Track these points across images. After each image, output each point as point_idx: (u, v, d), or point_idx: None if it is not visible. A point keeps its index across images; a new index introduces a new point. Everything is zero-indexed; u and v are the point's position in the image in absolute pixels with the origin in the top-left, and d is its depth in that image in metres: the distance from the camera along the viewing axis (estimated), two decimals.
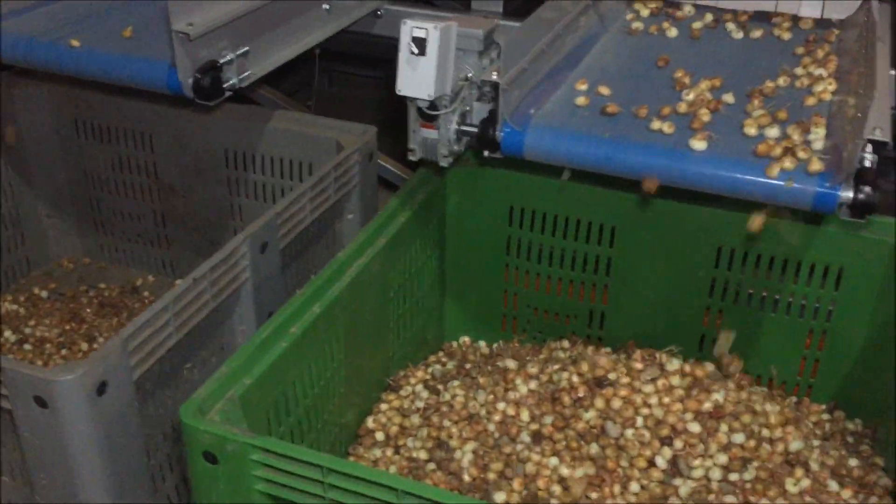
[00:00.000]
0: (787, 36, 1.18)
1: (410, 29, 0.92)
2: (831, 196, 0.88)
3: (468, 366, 1.22)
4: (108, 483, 0.89)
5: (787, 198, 0.90)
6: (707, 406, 0.98)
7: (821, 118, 0.95)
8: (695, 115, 0.97)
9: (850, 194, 0.88)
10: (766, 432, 0.98)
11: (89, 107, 1.52)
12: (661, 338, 1.25)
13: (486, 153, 1.01)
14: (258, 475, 0.76)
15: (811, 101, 1.01)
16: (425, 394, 1.16)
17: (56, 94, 1.53)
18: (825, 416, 1.18)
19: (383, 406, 1.15)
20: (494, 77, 0.96)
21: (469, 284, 1.34)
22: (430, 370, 1.23)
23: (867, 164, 0.89)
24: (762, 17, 1.24)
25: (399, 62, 0.94)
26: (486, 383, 1.11)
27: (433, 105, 0.97)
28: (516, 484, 0.98)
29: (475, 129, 1.00)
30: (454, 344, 1.36)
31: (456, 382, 1.15)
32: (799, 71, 1.07)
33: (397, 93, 0.96)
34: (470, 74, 0.99)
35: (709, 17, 1.22)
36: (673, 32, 1.19)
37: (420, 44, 0.92)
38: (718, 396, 0.99)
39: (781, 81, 1.05)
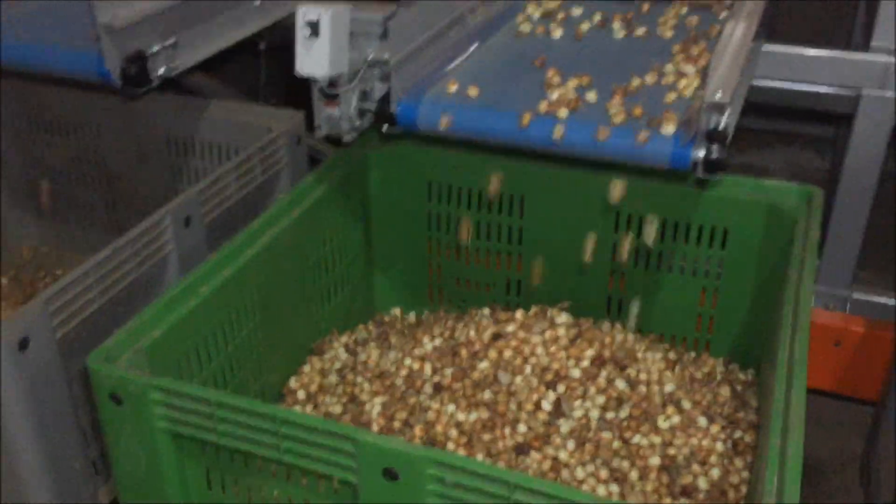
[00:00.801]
0: (669, 34, 1.24)
1: (304, 13, 1.01)
2: (685, 155, 0.97)
3: (391, 332, 1.31)
4: (34, 433, 0.97)
5: (647, 158, 0.99)
6: (589, 354, 1.07)
7: (672, 114, 1.01)
8: (553, 114, 1.03)
9: (702, 153, 0.97)
10: (643, 376, 1.07)
11: (39, 100, 1.61)
12: (572, 302, 1.34)
13: (384, 128, 1.10)
14: (158, 413, 0.85)
15: (671, 97, 1.06)
16: (345, 356, 1.25)
17: (8, 88, 1.61)
18: (720, 369, 1.27)
19: (306, 368, 1.24)
20: (386, 56, 1.05)
21: (395, 258, 1.43)
22: (353, 336, 1.32)
23: (721, 126, 0.98)
24: (650, 18, 1.28)
25: (296, 44, 1.03)
26: (397, 343, 1.20)
27: (332, 84, 1.06)
28: (418, 430, 1.07)
29: (373, 106, 1.09)
30: (385, 316, 1.44)
31: (372, 344, 1.24)
32: (669, 68, 1.13)
33: (296, 73, 1.05)
34: (370, 56, 1.08)
35: (597, 16, 1.28)
36: (558, 33, 1.24)
37: (314, 27, 1.01)
38: (600, 345, 1.07)
39: (649, 79, 1.10)
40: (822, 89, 1.43)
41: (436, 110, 1.07)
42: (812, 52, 1.40)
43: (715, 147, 0.96)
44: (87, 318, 1.02)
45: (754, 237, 1.21)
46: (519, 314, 1.14)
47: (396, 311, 1.45)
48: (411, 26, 1.08)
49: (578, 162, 1.18)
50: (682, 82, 1.08)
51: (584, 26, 1.25)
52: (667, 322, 1.31)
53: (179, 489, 0.91)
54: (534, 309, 1.16)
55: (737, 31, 1.10)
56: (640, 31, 1.23)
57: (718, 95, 0.93)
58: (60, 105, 1.60)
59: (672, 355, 1.25)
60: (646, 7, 1.30)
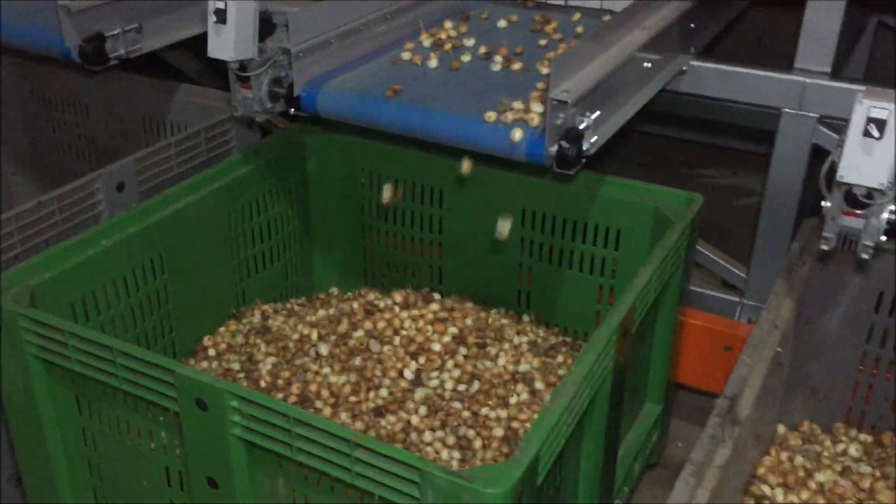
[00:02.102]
0: (546, 70, 1.22)
1: (213, 2, 1.12)
2: (539, 150, 1.05)
3: (302, 304, 1.41)
4: None
5: (507, 150, 1.07)
6: (452, 331, 1.15)
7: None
8: None
9: (554, 149, 1.04)
10: (502, 356, 1.15)
11: (40, 78, 1.77)
12: (486, 293, 1.42)
13: (291, 111, 1.20)
14: (28, 340, 0.97)
15: None
16: (258, 321, 1.35)
17: (15, 68, 1.78)
18: None
19: (221, 329, 1.35)
20: (289, 46, 1.15)
21: (333, 240, 1.53)
22: (275, 306, 1.42)
23: (582, 126, 1.05)
24: (541, 54, 1.29)
25: (208, 30, 1.14)
26: (299, 311, 1.30)
27: (243, 67, 1.17)
28: (294, 388, 1.17)
29: (282, 90, 1.19)
30: (321, 294, 1.54)
31: (283, 312, 1.34)
32: (517, 105, 1.11)
33: (208, 55, 1.16)
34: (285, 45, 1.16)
35: (482, 49, 1.29)
36: (434, 63, 1.26)
37: (221, 14, 1.12)
38: (462, 325, 1.15)
39: (489, 117, 1.09)
40: (749, 107, 1.46)
41: (332, 98, 1.17)
42: (738, 69, 1.44)
43: (565, 144, 1.03)
44: (5, 262, 1.15)
45: (644, 238, 1.27)
46: (398, 295, 1.23)
47: (334, 290, 1.55)
48: (317, 23, 1.18)
49: (493, 160, 1.25)
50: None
51: (465, 58, 1.27)
52: (569, 317, 1.38)
53: (53, 412, 1.02)
54: (409, 290, 1.25)
55: (626, 38, 1.15)
56: (518, 65, 1.24)
57: (564, 94, 1.00)
58: (58, 84, 1.75)
59: (564, 348, 1.31)
60: (544, 42, 1.34)
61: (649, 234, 1.26)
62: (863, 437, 1.17)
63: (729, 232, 2.01)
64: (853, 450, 1.11)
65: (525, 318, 1.39)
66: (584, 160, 1.07)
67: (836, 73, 1.42)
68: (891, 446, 1.14)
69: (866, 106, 0.83)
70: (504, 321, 1.26)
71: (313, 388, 1.16)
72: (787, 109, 1.41)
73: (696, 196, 1.22)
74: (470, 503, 0.75)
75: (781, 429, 1.19)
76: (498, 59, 1.26)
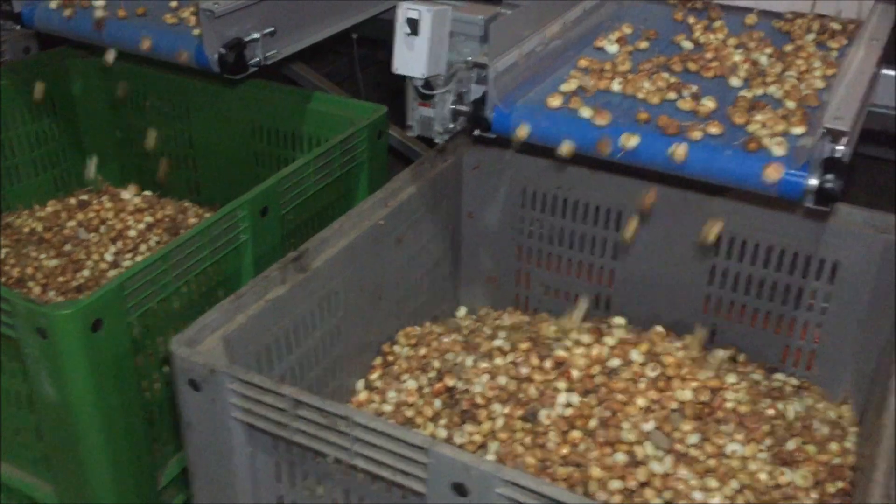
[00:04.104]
0: None
1: (405, 11, 0.97)
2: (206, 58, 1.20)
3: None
4: None
5: (196, 62, 1.23)
6: (147, 220, 1.32)
7: None
8: None
9: (216, 56, 1.19)
10: None
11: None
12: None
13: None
14: None
15: None
16: (18, 223, 1.49)
17: None
18: None
19: None
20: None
21: (104, 157, 1.66)
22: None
23: (247, 38, 1.21)
24: None
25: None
26: (37, 210, 1.45)
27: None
28: (15, 272, 1.32)
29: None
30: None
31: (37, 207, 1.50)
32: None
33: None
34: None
35: None
36: None
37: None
38: (161, 216, 1.32)
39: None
40: None
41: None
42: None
43: (223, 51, 1.18)
44: None
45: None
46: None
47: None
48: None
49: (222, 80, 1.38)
50: None
51: None
52: None
53: None
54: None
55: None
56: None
57: (214, 5, 1.15)
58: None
59: None
60: None
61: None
62: (523, 317, 1.34)
63: None
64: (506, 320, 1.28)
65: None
66: (253, 68, 1.23)
67: None
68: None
69: (404, 8, 0.98)
70: (202, 210, 1.42)
71: (30, 270, 1.31)
72: None
73: (380, 107, 1.39)
74: (47, 325, 0.91)
75: (462, 311, 1.35)
76: None
